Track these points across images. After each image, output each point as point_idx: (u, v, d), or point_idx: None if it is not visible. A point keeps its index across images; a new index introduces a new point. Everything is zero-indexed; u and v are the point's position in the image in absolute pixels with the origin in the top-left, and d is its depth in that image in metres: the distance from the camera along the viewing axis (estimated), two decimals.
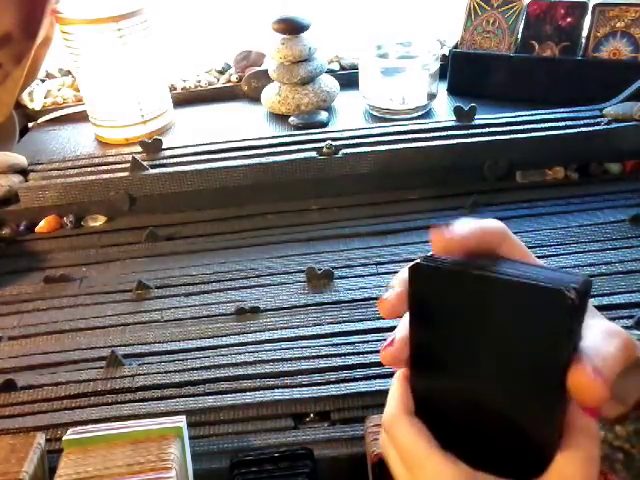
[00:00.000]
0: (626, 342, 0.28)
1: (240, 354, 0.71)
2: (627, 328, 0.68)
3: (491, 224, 0.29)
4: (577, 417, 0.27)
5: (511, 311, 0.26)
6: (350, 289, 0.79)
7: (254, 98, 1.17)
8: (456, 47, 1.12)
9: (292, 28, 1.04)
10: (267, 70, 1.11)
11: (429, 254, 0.29)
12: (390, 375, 0.33)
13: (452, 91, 1.14)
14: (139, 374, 0.69)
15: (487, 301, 0.26)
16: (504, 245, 0.29)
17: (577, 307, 0.25)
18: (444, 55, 1.15)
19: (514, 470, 0.28)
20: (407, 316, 0.30)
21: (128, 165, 0.94)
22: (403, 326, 0.31)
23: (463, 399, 0.29)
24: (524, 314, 0.25)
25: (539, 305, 0.25)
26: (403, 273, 0.30)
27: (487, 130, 0.95)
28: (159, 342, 0.74)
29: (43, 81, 1.24)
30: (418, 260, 0.28)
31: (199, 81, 1.21)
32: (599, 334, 0.28)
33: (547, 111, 0.99)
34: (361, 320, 0.74)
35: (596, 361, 0.26)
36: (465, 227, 0.28)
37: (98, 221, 0.95)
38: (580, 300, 0.25)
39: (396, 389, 0.31)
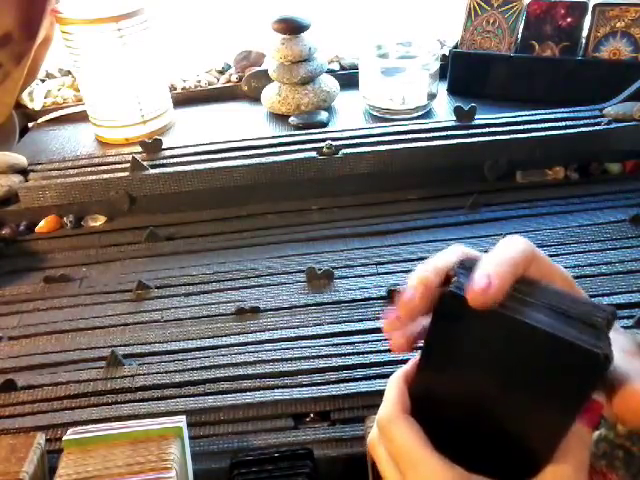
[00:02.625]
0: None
1: (240, 354, 0.71)
2: (627, 328, 0.68)
3: (519, 250, 0.28)
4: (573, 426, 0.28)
5: (539, 353, 0.26)
6: (350, 289, 0.79)
7: (254, 98, 1.17)
8: (456, 47, 1.12)
9: (292, 28, 1.04)
10: (267, 70, 1.11)
11: (463, 264, 0.29)
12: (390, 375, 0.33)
13: (452, 91, 1.14)
14: (139, 374, 0.69)
15: (513, 338, 0.27)
16: (533, 265, 0.29)
17: (607, 357, 0.25)
18: (444, 55, 1.15)
19: (507, 471, 0.28)
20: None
21: (128, 165, 0.94)
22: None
23: (467, 405, 0.29)
24: (550, 359, 0.26)
25: (568, 358, 0.25)
26: (423, 270, 0.30)
27: (487, 130, 0.95)
28: (159, 342, 0.74)
29: (43, 81, 1.24)
30: (450, 288, 0.28)
31: (199, 81, 1.21)
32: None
33: (547, 111, 0.99)
34: (361, 320, 0.74)
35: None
36: (499, 272, 0.27)
37: (98, 221, 0.95)
38: (608, 345, 0.26)
39: (393, 390, 0.31)
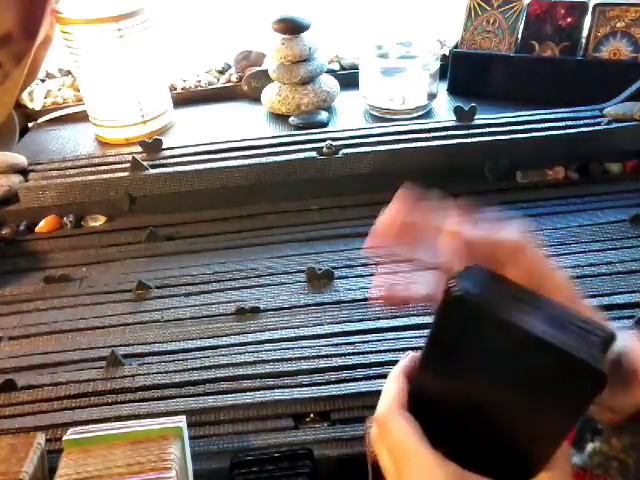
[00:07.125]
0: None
1: (240, 354, 0.71)
2: (627, 328, 0.68)
3: (510, 237, 0.29)
4: None
5: (543, 363, 0.26)
6: (350, 289, 0.79)
7: (254, 98, 1.17)
8: (456, 47, 1.12)
9: (292, 28, 1.04)
10: (267, 70, 1.11)
11: (468, 269, 0.29)
12: None
13: (452, 91, 1.14)
14: (139, 374, 0.69)
15: (517, 346, 0.27)
16: (523, 259, 0.29)
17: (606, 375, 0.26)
18: (444, 55, 1.15)
19: (501, 473, 0.29)
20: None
21: (128, 165, 0.94)
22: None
23: (466, 405, 0.29)
24: (554, 371, 0.26)
25: (572, 372, 0.26)
26: (396, 200, 0.31)
27: (487, 130, 0.95)
28: (159, 342, 0.74)
29: (43, 81, 1.24)
30: (457, 292, 0.27)
31: (199, 81, 1.21)
32: None
33: (547, 111, 0.99)
34: (361, 320, 0.74)
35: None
36: (481, 231, 0.27)
37: (98, 221, 0.95)
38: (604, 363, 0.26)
39: (392, 385, 0.32)
